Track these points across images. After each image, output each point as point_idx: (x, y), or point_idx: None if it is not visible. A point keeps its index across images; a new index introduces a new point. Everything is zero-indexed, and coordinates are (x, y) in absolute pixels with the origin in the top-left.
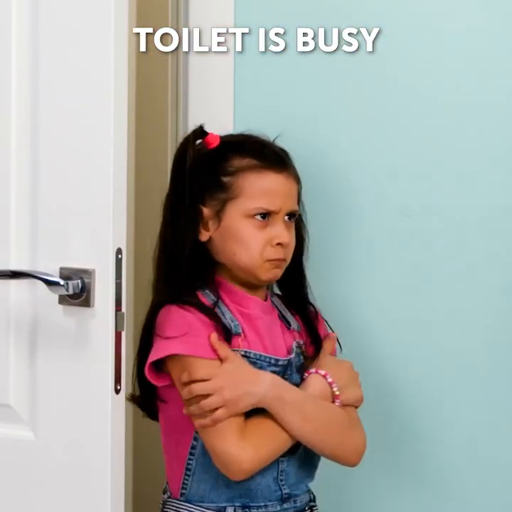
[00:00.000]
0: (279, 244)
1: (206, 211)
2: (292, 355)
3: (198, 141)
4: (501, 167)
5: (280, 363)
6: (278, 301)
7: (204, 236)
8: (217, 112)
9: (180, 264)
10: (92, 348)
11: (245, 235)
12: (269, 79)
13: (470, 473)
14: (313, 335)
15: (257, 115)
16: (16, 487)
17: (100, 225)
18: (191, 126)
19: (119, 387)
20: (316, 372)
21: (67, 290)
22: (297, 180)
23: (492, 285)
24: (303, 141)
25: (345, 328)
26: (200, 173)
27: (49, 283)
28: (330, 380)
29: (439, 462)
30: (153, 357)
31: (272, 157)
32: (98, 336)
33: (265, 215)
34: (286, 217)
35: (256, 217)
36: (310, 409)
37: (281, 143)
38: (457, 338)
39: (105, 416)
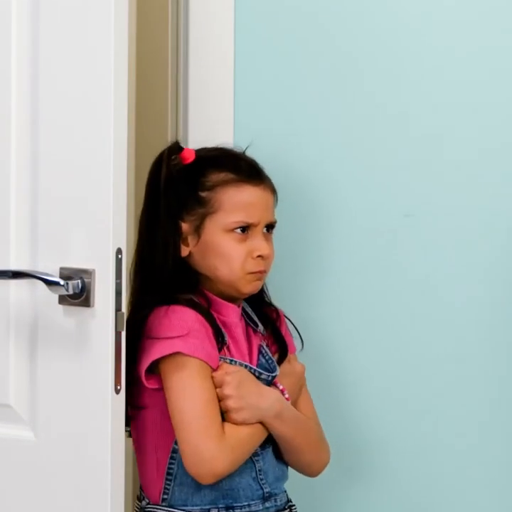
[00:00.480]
0: (259, 256)
1: (185, 226)
2: (277, 372)
3: (174, 157)
4: (502, 167)
5: (262, 377)
6: (245, 304)
7: (184, 251)
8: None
9: (164, 280)
10: (92, 348)
11: (226, 249)
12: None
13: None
14: (275, 335)
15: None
16: (16, 487)
17: (100, 225)
18: (191, 124)
19: (119, 387)
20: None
21: (67, 290)
22: (273, 191)
23: (492, 285)
24: (303, 138)
25: (345, 327)
26: (177, 189)
27: (49, 283)
28: (287, 396)
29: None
30: (155, 355)
31: (248, 170)
32: (98, 336)
33: (245, 228)
34: (264, 229)
35: (236, 230)
36: (300, 426)
37: (284, 134)
38: (456, 337)
39: (105, 416)
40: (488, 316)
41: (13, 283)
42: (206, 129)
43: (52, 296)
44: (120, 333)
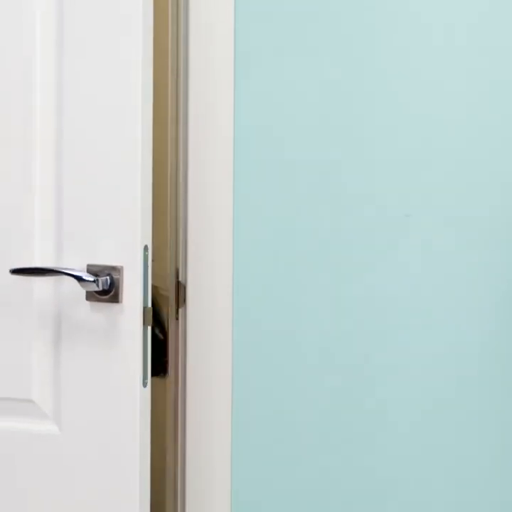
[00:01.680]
0: None
1: None
2: None
3: None
4: (502, 166)
5: None
6: None
7: None
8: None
9: None
10: (121, 343)
11: None
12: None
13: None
14: None
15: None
16: (41, 480)
17: (129, 222)
18: (191, 124)
19: (146, 381)
20: None
21: (98, 287)
22: None
23: (493, 285)
24: (303, 138)
25: (343, 326)
26: None
27: (81, 280)
28: None
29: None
30: None
31: None
32: (127, 331)
33: None
34: None
35: None
36: None
37: (284, 134)
38: (457, 336)
39: (134, 409)
40: (489, 315)
41: (39, 279)
42: (206, 129)
43: (79, 293)
44: (147, 328)
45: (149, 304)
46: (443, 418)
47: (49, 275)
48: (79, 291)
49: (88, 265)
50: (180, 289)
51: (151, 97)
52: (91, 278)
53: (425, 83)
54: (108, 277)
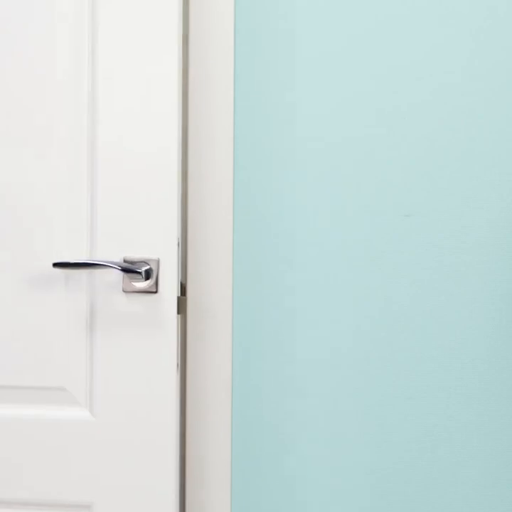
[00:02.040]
0: None
1: None
2: None
3: None
4: (502, 166)
5: None
6: None
7: None
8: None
9: None
10: (160, 331)
11: None
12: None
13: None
14: None
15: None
16: (74, 465)
17: (166, 215)
18: (191, 125)
19: (178, 365)
20: None
21: (142, 278)
22: None
23: (493, 285)
24: (302, 138)
25: (343, 326)
26: None
27: (126, 272)
28: None
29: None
30: None
31: None
32: (165, 319)
33: None
34: None
35: None
36: None
37: (283, 134)
38: (457, 337)
39: (171, 392)
40: (490, 315)
41: (74, 270)
42: (206, 127)
43: (115, 283)
44: (180, 316)
45: (180, 294)
46: (442, 418)
47: (93, 268)
48: (115, 281)
49: (125, 257)
50: (180, 289)
51: (180, 94)
52: (138, 270)
53: (427, 83)
54: (148, 269)
